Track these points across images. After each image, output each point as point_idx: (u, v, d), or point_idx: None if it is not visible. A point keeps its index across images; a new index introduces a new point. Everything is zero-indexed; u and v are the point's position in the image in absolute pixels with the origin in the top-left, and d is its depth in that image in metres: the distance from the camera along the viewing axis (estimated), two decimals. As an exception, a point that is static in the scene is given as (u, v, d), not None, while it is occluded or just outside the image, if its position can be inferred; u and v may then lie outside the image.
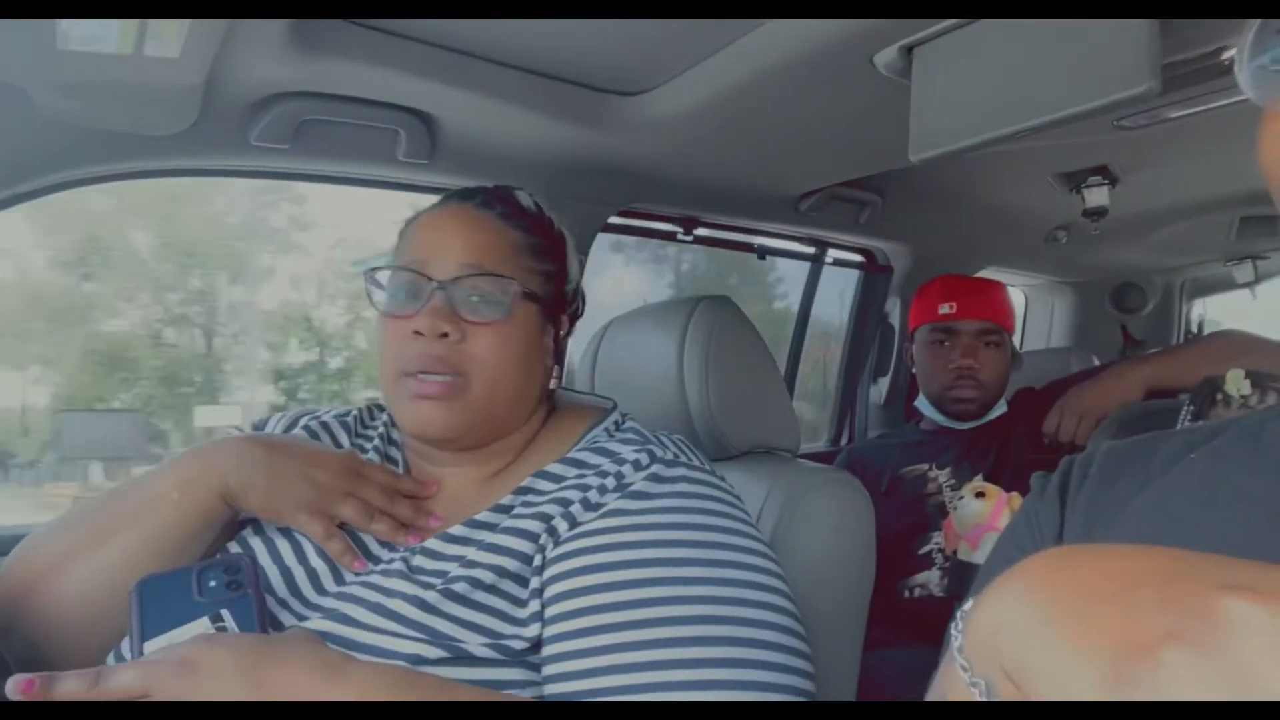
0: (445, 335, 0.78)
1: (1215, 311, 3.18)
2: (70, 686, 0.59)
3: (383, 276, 0.83)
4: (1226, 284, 2.83)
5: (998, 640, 0.30)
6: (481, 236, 0.82)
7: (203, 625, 0.67)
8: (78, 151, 1.03)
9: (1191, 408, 1.04)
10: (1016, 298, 2.86)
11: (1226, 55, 0.89)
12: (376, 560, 0.79)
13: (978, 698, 0.31)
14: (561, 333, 0.90)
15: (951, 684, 0.33)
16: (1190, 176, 1.80)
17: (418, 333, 0.78)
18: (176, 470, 0.78)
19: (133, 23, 0.80)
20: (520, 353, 0.82)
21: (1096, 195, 1.77)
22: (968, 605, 0.33)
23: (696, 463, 0.80)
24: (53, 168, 1.03)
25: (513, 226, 0.84)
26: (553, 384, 0.91)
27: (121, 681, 0.59)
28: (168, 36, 0.83)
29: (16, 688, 0.58)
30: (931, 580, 1.56)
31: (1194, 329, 3.08)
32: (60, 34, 0.81)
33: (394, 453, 0.91)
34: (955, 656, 0.33)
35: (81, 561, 0.77)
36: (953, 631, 0.34)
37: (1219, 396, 1.01)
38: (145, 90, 0.95)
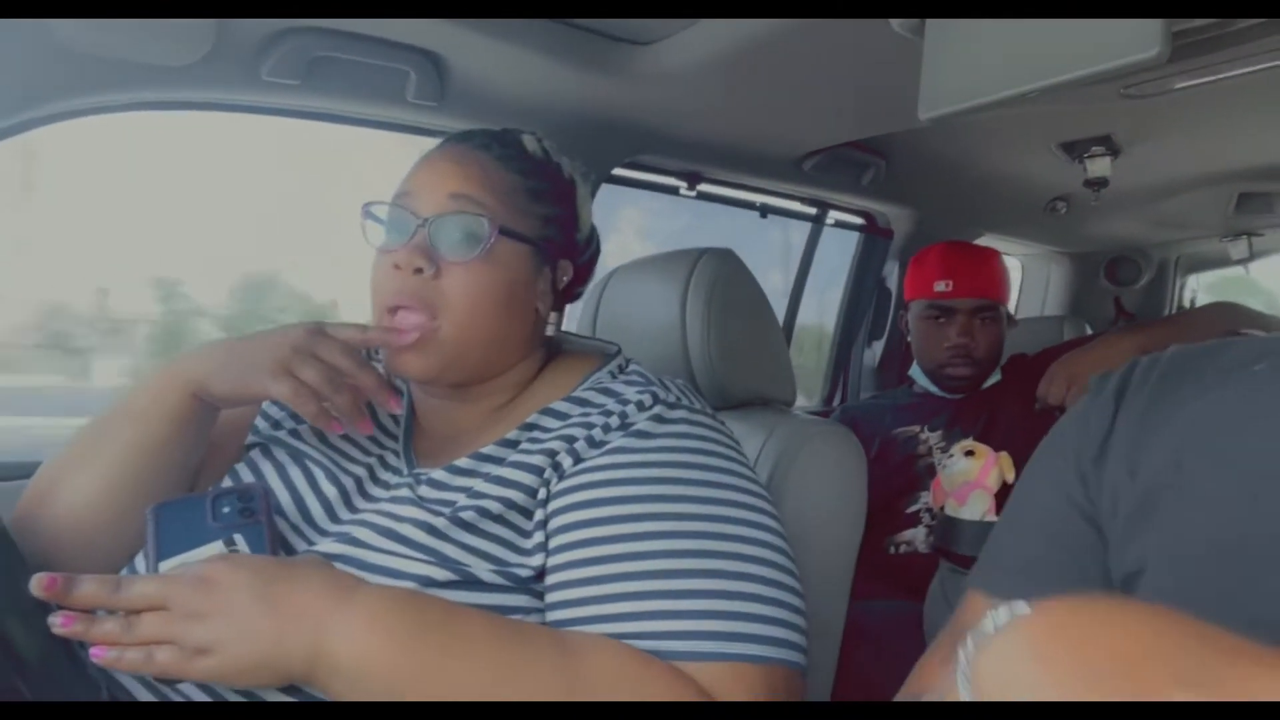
0: (420, 270, 0.78)
1: (1206, 290, 3.20)
2: (90, 589, 0.61)
3: (379, 211, 0.84)
4: (1221, 260, 2.84)
5: (1008, 694, 0.34)
6: (470, 174, 0.82)
7: (216, 549, 0.69)
8: (89, 79, 1.03)
9: None
10: (1012, 266, 2.88)
11: (1238, 24, 0.89)
12: (386, 486, 0.81)
13: None
14: (564, 278, 0.90)
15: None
16: (1192, 150, 1.80)
17: (397, 266, 0.79)
18: (152, 379, 0.79)
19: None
20: (500, 295, 0.81)
21: (1098, 165, 1.77)
22: (970, 645, 0.36)
23: (698, 406, 0.81)
24: (63, 95, 1.02)
25: (509, 169, 0.84)
26: (549, 330, 0.91)
27: (141, 590, 0.61)
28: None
29: (40, 584, 0.60)
30: (917, 538, 1.60)
31: (1186, 305, 3.10)
32: None
33: (398, 382, 0.93)
34: (962, 685, 0.35)
35: (76, 477, 0.79)
36: (960, 667, 0.36)
37: None
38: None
